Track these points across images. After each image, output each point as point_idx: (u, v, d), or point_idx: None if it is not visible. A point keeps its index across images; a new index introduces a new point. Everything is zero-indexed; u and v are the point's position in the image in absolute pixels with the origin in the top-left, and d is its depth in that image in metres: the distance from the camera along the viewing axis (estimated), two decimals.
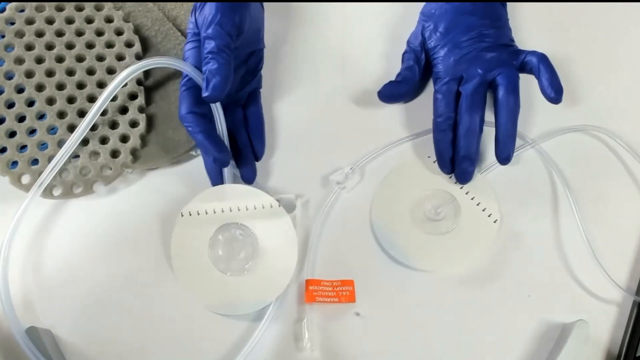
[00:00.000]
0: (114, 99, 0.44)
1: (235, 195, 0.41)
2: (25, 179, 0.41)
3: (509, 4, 0.48)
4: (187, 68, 0.41)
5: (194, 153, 0.44)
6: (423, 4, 0.48)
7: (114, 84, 0.40)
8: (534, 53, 0.43)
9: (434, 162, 0.44)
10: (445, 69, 0.44)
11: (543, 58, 0.43)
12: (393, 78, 0.46)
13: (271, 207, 0.41)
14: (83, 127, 0.40)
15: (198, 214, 0.40)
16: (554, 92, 0.41)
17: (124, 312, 0.39)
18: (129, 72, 0.40)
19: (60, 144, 0.42)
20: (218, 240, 0.40)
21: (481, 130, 0.43)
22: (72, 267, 0.40)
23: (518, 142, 0.43)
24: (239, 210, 0.41)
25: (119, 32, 0.46)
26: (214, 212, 0.40)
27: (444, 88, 0.44)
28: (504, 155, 0.42)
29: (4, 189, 0.41)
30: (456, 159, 0.42)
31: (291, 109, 0.47)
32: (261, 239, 0.40)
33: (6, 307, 0.37)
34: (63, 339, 0.38)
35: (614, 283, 0.40)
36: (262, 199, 0.41)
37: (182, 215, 0.40)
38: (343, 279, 0.40)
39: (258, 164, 0.44)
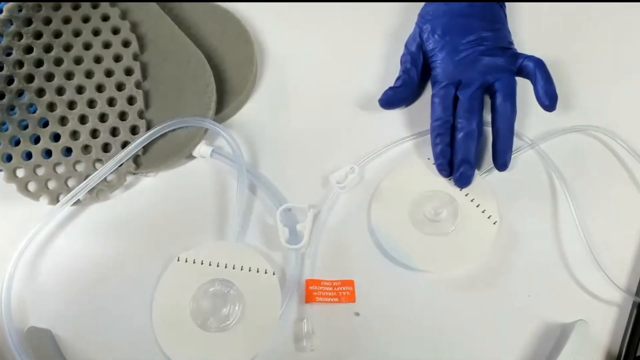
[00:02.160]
0: (113, 104, 0.46)
1: (237, 254, 0.42)
2: (32, 186, 0.44)
3: (507, 4, 0.48)
4: (222, 132, 0.45)
5: (195, 155, 0.46)
6: (422, 4, 0.48)
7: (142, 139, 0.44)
8: (531, 58, 0.44)
9: (434, 163, 0.45)
10: (443, 72, 0.45)
11: (540, 64, 0.43)
12: (393, 78, 0.48)
13: (265, 273, 0.42)
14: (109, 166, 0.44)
15: (194, 262, 0.42)
16: (548, 100, 0.43)
17: (124, 312, 0.42)
18: (151, 133, 0.44)
19: (63, 151, 0.45)
20: (204, 292, 0.41)
21: (480, 134, 0.44)
22: (72, 269, 0.43)
23: (517, 143, 0.44)
24: (233, 268, 0.42)
25: (115, 31, 0.48)
26: (209, 265, 0.42)
27: (441, 92, 0.45)
28: (502, 162, 0.43)
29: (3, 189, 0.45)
30: (455, 163, 0.44)
31: (291, 109, 0.49)
32: (246, 303, 0.41)
33: (4, 311, 0.40)
34: (63, 339, 0.41)
35: (614, 284, 0.41)
36: (261, 264, 0.42)
37: (178, 260, 0.42)
38: (343, 279, 0.42)
39: (258, 165, 0.46)
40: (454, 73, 0.45)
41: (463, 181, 0.43)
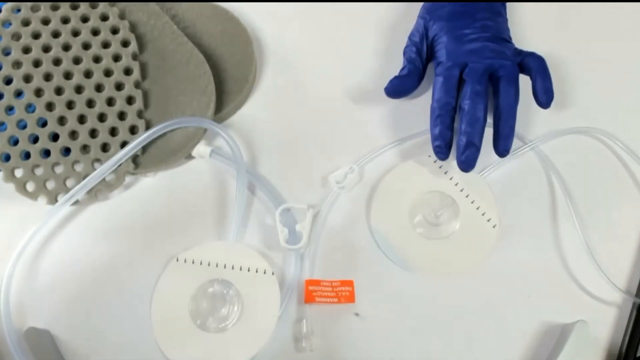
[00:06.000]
0: (112, 104, 0.47)
1: (236, 254, 0.43)
2: (30, 186, 0.45)
3: (507, 4, 0.49)
4: (221, 132, 0.45)
5: (194, 155, 0.47)
6: (421, 4, 0.49)
7: (140, 139, 0.45)
8: (532, 54, 0.44)
9: (435, 161, 0.46)
10: (448, 54, 0.45)
11: (541, 61, 0.44)
12: (392, 77, 0.48)
13: (265, 273, 0.42)
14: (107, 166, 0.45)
15: (193, 263, 0.43)
16: (545, 97, 0.43)
17: (123, 313, 0.43)
18: (150, 133, 0.45)
19: (62, 150, 0.46)
20: (203, 293, 0.42)
21: (485, 117, 0.43)
22: (71, 269, 0.44)
23: (517, 144, 0.45)
24: (232, 268, 0.42)
25: (114, 31, 0.48)
26: (209, 265, 0.43)
27: (446, 73, 0.45)
28: (504, 148, 0.43)
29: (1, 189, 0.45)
30: (460, 146, 0.43)
31: (291, 108, 0.50)
32: (245, 303, 0.42)
33: (3, 312, 0.41)
34: (61, 340, 0.42)
35: (613, 285, 0.42)
36: (260, 264, 0.43)
37: (177, 260, 0.43)
38: (342, 279, 0.43)
39: (257, 165, 0.47)
40: (460, 56, 0.45)
41: (468, 164, 0.43)
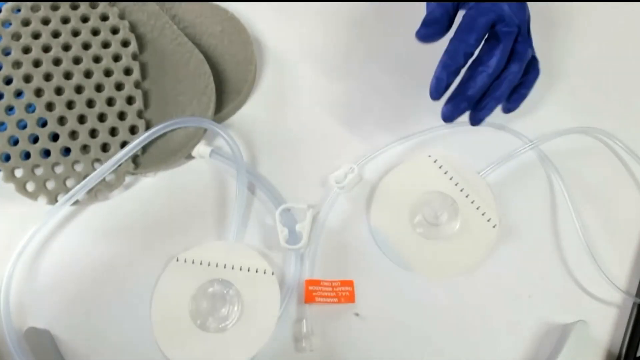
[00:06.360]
0: (112, 104, 0.47)
1: (236, 254, 0.43)
2: (30, 186, 0.45)
3: None
4: (221, 132, 0.45)
5: (194, 155, 0.47)
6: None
7: (139, 140, 0.45)
8: (536, 62, 0.44)
9: (435, 161, 0.46)
10: None
11: (537, 75, 0.44)
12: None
13: (265, 273, 0.43)
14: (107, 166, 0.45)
15: (193, 262, 0.43)
16: (514, 104, 0.44)
17: (123, 313, 0.43)
18: (150, 133, 0.45)
19: (62, 150, 0.46)
20: (203, 293, 0.42)
21: (494, 76, 0.41)
22: (71, 269, 0.44)
23: (517, 143, 0.45)
24: (232, 268, 0.43)
25: (114, 31, 0.48)
26: (208, 265, 0.43)
27: (476, 14, 0.41)
28: (481, 117, 0.42)
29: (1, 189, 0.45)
30: (455, 96, 0.41)
31: (291, 108, 0.50)
32: (245, 303, 0.42)
33: (3, 312, 0.41)
34: (61, 340, 0.42)
35: (613, 285, 0.42)
36: (260, 264, 0.43)
37: (177, 260, 0.43)
38: (342, 279, 0.43)
39: (257, 165, 0.47)
40: (498, 3, 0.41)
41: (451, 117, 0.41)
